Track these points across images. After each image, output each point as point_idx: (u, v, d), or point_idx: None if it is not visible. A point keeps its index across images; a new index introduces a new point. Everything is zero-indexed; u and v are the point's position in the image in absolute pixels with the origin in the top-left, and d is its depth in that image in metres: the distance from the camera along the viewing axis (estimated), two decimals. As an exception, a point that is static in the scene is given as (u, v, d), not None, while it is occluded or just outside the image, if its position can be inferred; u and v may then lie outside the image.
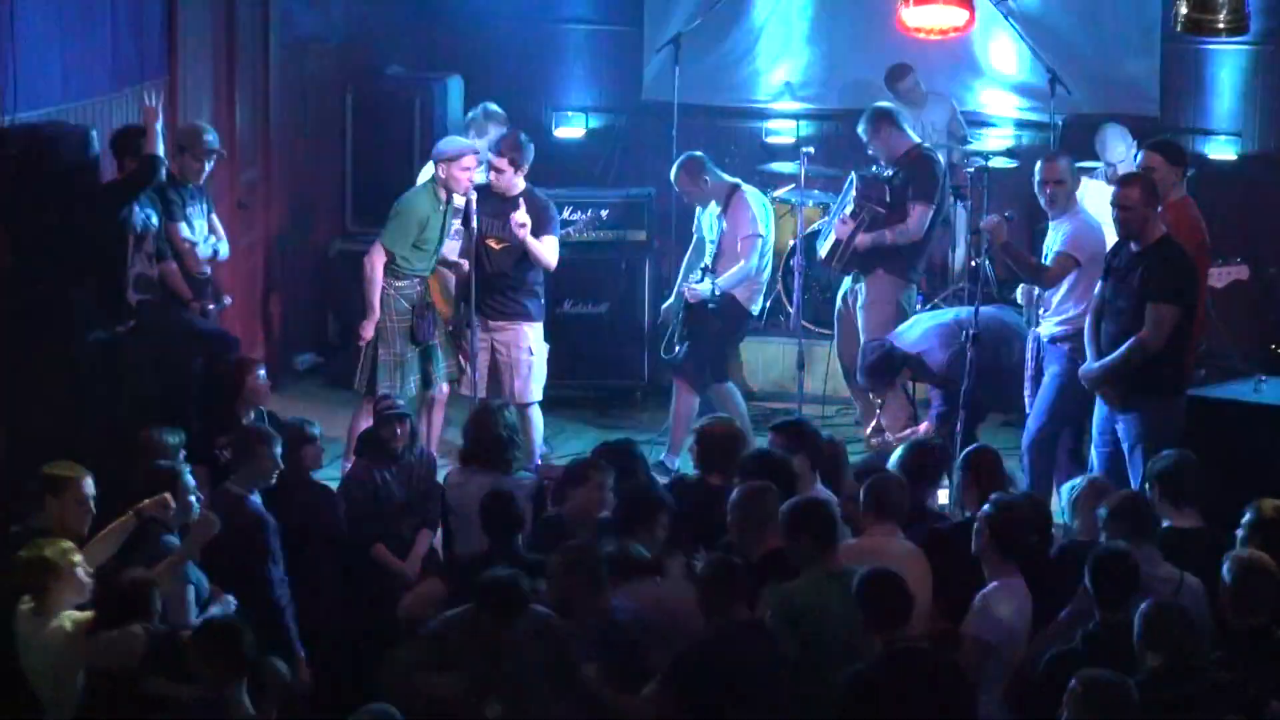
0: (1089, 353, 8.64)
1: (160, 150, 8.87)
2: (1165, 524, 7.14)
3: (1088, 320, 8.71)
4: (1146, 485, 7.46)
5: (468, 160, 9.74)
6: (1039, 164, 9.32)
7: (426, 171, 10.40)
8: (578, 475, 7.62)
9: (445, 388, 10.01)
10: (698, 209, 10.59)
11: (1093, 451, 8.84)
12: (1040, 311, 9.33)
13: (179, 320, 9.33)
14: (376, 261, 9.73)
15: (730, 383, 10.70)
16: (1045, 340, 9.23)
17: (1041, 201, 9.24)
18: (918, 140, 10.42)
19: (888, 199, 10.20)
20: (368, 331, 9.72)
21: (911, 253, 10.28)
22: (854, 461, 8.60)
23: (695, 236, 10.63)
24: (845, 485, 7.85)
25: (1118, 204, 8.49)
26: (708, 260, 10.32)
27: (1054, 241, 9.16)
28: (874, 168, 10.42)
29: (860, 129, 10.33)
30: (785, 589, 6.55)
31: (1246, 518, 6.90)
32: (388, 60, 12.99)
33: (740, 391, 10.84)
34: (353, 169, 12.40)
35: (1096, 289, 8.73)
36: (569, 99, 13.46)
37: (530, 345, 10.05)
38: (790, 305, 11.50)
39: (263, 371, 8.74)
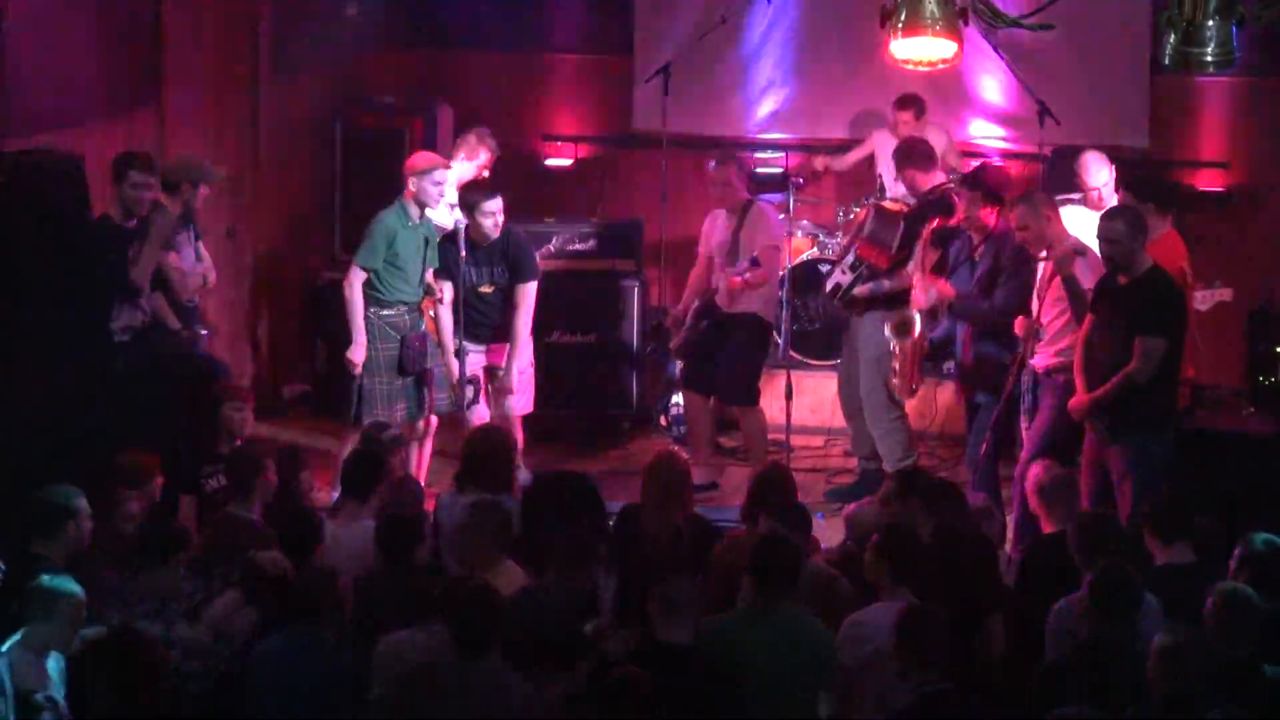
0: (1079, 384, 8.66)
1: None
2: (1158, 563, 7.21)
3: (1078, 352, 8.72)
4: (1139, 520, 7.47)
5: (439, 174, 9.78)
6: None
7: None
8: None
9: (434, 420, 10.00)
10: (707, 224, 10.61)
11: (1082, 483, 8.85)
12: (1035, 343, 9.32)
13: (167, 349, 9.32)
14: (354, 281, 9.74)
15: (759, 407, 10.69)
16: (1040, 372, 9.23)
17: None
18: (940, 180, 10.28)
19: (896, 239, 10.16)
20: (357, 356, 9.68)
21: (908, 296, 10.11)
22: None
23: (703, 254, 10.62)
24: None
25: (1103, 238, 8.52)
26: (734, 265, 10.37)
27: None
28: (869, 199, 10.43)
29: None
30: (715, 621, 6.62)
31: (1237, 551, 6.91)
32: (377, 89, 13.01)
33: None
34: (342, 198, 12.41)
35: (1087, 320, 8.75)
36: (558, 128, 13.49)
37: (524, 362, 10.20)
38: (779, 335, 11.51)
39: (242, 405, 8.79)
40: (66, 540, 7.06)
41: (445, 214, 10.30)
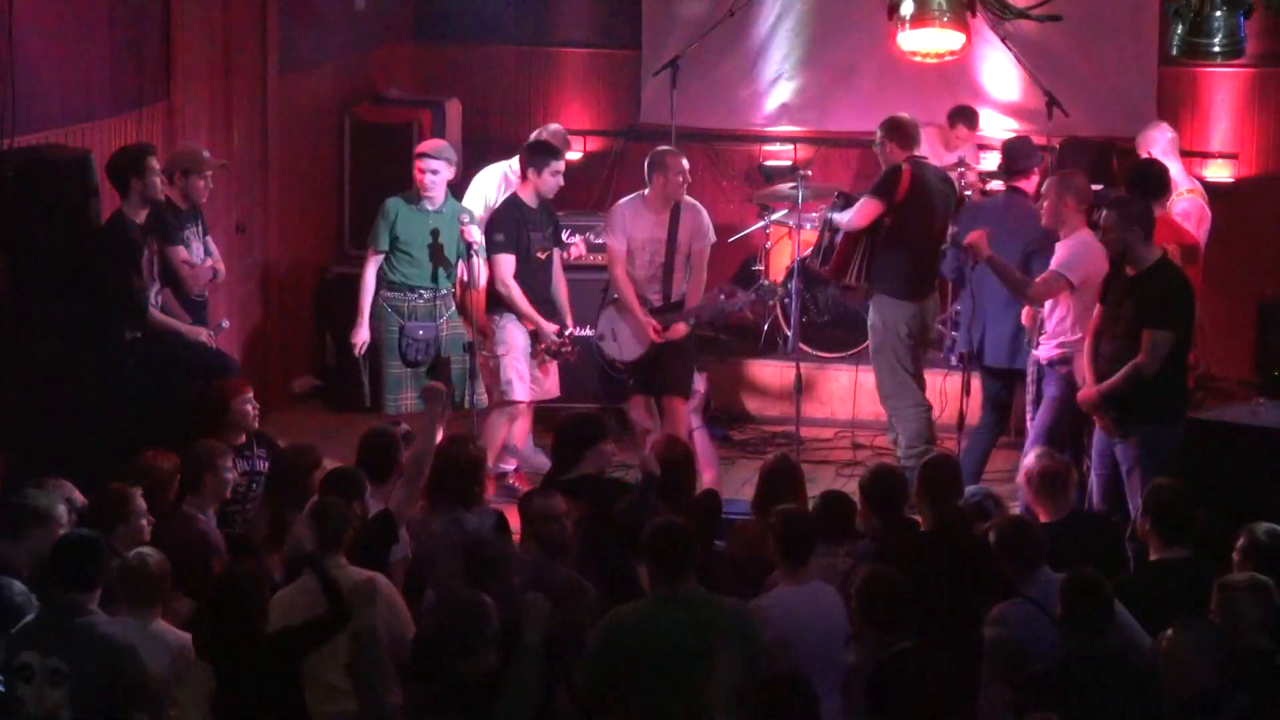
0: (1087, 376, 8.66)
1: None
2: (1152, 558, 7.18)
3: (1087, 344, 8.72)
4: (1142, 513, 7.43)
5: (425, 161, 9.84)
6: None
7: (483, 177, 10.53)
8: None
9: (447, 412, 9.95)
10: (636, 224, 10.15)
11: (1091, 475, 8.85)
12: (1039, 335, 9.34)
13: (178, 345, 9.32)
14: (366, 264, 9.85)
15: None
16: (1044, 363, 9.25)
17: None
18: (912, 153, 10.16)
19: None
20: (356, 338, 9.77)
21: (901, 271, 10.02)
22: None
23: (630, 251, 10.20)
24: None
25: (1098, 225, 8.56)
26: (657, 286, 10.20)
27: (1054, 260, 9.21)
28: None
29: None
30: (619, 610, 6.48)
31: (1240, 542, 6.87)
32: (386, 83, 13.01)
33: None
34: (351, 192, 12.42)
35: (1095, 312, 8.74)
36: (566, 121, 13.46)
37: None
38: (788, 328, 11.50)
39: (249, 395, 8.75)
40: (32, 544, 6.83)
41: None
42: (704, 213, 10.26)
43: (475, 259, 9.88)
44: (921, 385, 10.11)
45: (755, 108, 13.20)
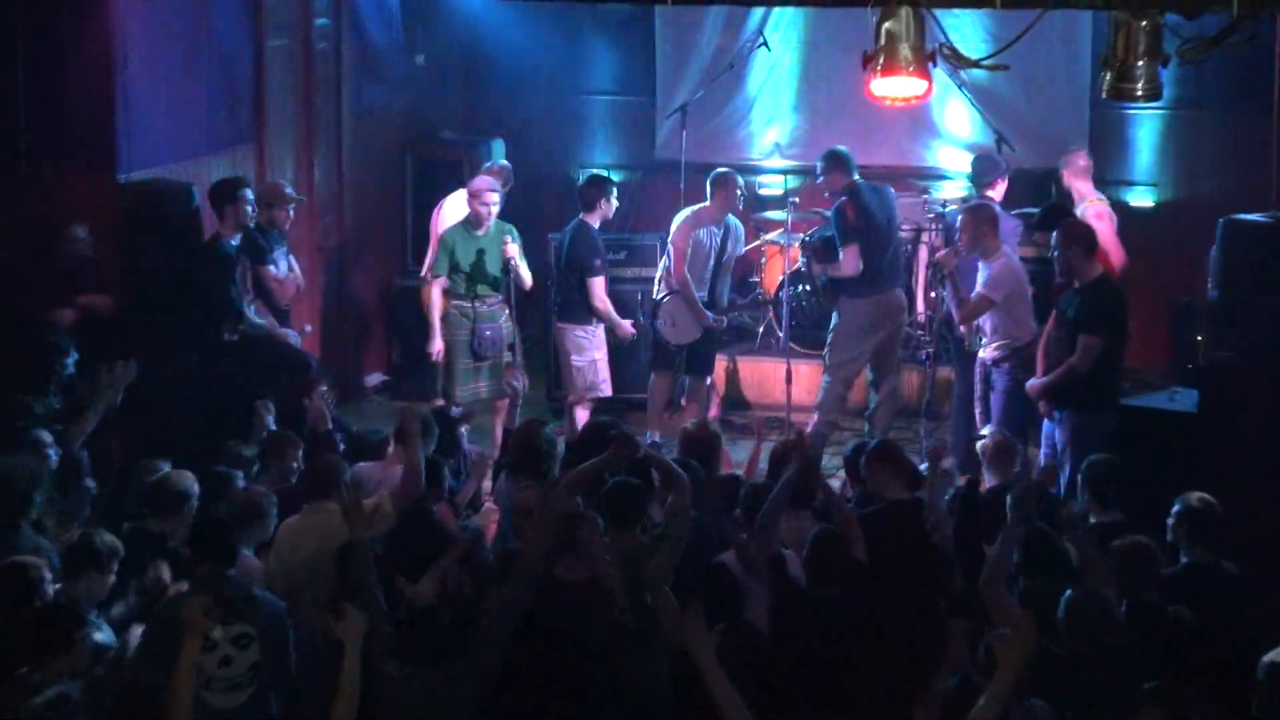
0: (1039, 369, 8.77)
1: None
2: (1091, 520, 7.16)
3: (1042, 343, 8.84)
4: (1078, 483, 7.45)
5: (487, 196, 9.79)
6: None
7: (451, 206, 10.47)
8: None
9: (505, 401, 10.01)
10: (698, 231, 10.32)
11: (1041, 454, 8.85)
12: (980, 339, 9.41)
13: (269, 346, 9.32)
14: (431, 287, 9.89)
15: None
16: (989, 363, 9.30)
17: None
18: (853, 179, 10.10)
19: (821, 241, 10.32)
20: (432, 348, 9.83)
21: (859, 275, 9.99)
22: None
23: (693, 253, 10.34)
24: None
25: (1038, 244, 8.68)
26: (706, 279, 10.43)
27: (979, 281, 9.31)
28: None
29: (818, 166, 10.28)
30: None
31: (1176, 508, 6.82)
32: (442, 126, 13.01)
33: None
34: (412, 218, 12.42)
35: (1050, 319, 8.81)
36: (593, 158, 13.48)
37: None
38: (780, 329, 11.48)
39: (324, 388, 8.77)
40: (181, 520, 6.85)
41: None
42: (741, 229, 10.55)
43: (514, 273, 9.89)
44: (855, 371, 10.20)
45: (752, 145, 13.17)
